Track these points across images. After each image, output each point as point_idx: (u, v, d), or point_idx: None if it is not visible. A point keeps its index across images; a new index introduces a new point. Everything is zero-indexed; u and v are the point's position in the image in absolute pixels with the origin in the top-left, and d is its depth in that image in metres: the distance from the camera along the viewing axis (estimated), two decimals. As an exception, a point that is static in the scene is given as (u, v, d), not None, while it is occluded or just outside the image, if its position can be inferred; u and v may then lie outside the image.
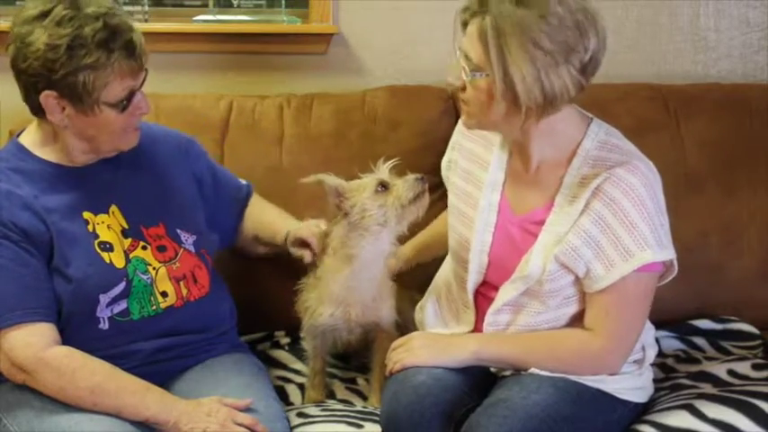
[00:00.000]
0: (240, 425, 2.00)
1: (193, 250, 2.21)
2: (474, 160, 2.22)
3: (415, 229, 2.37)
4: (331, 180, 2.25)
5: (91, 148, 2.12)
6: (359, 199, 2.24)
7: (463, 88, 2.03)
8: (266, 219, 2.48)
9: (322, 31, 2.95)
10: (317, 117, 2.77)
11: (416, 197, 2.24)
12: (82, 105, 2.01)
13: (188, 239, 2.21)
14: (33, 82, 2.01)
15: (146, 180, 2.22)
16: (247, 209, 2.50)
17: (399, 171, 2.29)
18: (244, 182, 2.53)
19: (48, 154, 2.12)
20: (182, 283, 2.17)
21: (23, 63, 2.00)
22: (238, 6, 3.07)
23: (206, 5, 3.05)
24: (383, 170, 2.27)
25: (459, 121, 2.22)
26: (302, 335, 2.41)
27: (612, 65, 2.92)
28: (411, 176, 2.26)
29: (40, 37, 1.97)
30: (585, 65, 1.95)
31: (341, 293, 2.29)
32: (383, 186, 2.25)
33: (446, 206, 2.63)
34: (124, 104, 2.04)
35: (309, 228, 2.34)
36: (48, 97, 2.01)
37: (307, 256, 2.32)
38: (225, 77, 2.96)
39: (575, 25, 1.92)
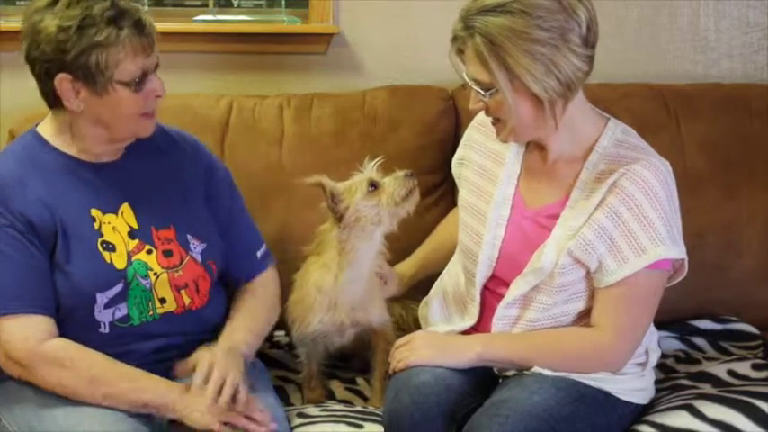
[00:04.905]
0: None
1: (200, 260, 2.18)
2: (489, 156, 2.22)
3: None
4: (328, 183, 2.25)
5: (108, 136, 2.10)
6: (352, 201, 2.24)
7: (487, 110, 2.05)
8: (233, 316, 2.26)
9: (322, 31, 2.95)
10: (316, 117, 2.77)
11: (408, 194, 2.25)
12: (95, 86, 2.01)
13: (197, 247, 2.19)
14: (47, 68, 2.02)
15: (162, 181, 2.20)
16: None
17: (390, 169, 2.30)
18: (262, 251, 2.34)
19: (64, 145, 2.12)
20: (183, 291, 2.15)
21: (36, 51, 2.01)
22: (238, 6, 3.07)
23: (206, 5, 3.05)
24: (370, 169, 2.28)
25: (475, 118, 2.23)
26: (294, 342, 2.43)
27: (612, 65, 2.95)
28: (400, 173, 2.27)
29: (52, 22, 1.99)
30: (585, 37, 1.97)
31: (328, 298, 2.29)
32: (373, 186, 2.25)
33: (445, 208, 2.65)
34: (137, 82, 2.04)
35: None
36: (62, 81, 2.01)
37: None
38: (225, 77, 2.96)
39: (560, 7, 1.94)
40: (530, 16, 1.92)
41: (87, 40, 1.98)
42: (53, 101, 2.07)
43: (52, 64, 2.00)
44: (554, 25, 1.93)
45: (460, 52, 2.02)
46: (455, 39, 2.01)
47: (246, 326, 2.21)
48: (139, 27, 2.02)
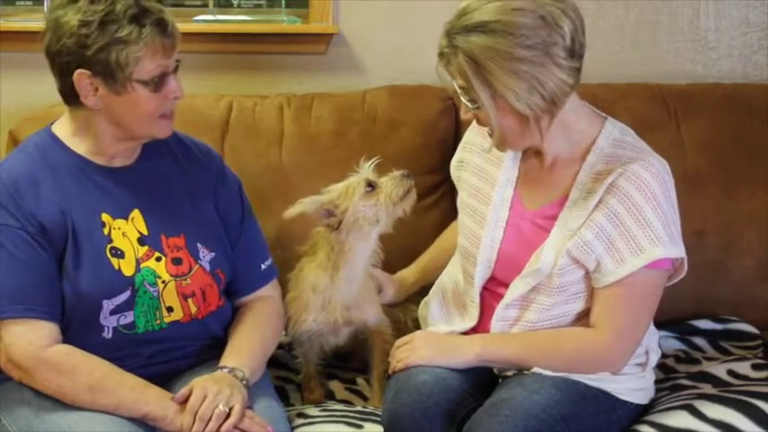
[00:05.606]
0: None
1: (208, 268, 2.16)
2: (487, 158, 2.22)
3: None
4: (312, 202, 2.25)
5: (124, 135, 2.09)
6: (350, 203, 2.25)
7: (478, 120, 2.06)
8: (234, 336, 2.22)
9: (322, 31, 2.95)
10: (316, 117, 2.77)
11: (405, 193, 2.27)
12: (114, 83, 2.00)
13: (206, 256, 2.16)
14: (67, 62, 2.00)
15: (174, 188, 2.18)
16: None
17: (387, 170, 2.31)
18: (267, 263, 2.31)
19: (78, 145, 2.10)
20: (190, 300, 2.13)
21: (57, 44, 2.00)
22: (238, 6, 3.07)
23: (206, 5, 3.06)
24: (367, 169, 2.28)
25: (474, 121, 2.24)
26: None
27: (612, 65, 2.95)
28: (397, 173, 2.28)
29: (74, 16, 1.98)
30: (570, 48, 1.95)
31: (322, 297, 2.30)
32: (371, 186, 2.26)
33: (444, 209, 2.65)
34: (156, 82, 2.03)
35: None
36: (81, 76, 2.00)
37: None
38: (225, 77, 2.96)
39: (542, 23, 1.92)
40: (512, 36, 1.91)
41: (109, 35, 1.97)
42: (71, 97, 2.05)
43: (72, 59, 2.00)
44: (537, 42, 1.91)
45: (448, 64, 2.02)
46: (441, 54, 2.01)
47: (249, 350, 2.16)
48: (161, 26, 2.01)
